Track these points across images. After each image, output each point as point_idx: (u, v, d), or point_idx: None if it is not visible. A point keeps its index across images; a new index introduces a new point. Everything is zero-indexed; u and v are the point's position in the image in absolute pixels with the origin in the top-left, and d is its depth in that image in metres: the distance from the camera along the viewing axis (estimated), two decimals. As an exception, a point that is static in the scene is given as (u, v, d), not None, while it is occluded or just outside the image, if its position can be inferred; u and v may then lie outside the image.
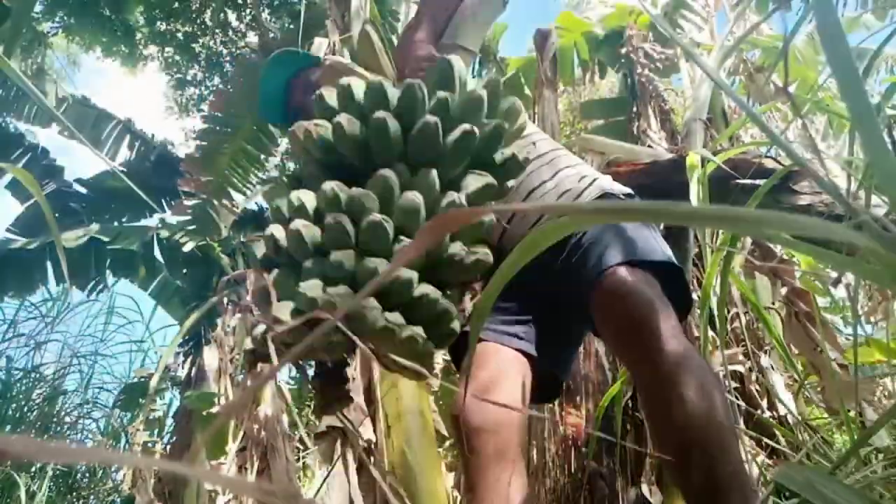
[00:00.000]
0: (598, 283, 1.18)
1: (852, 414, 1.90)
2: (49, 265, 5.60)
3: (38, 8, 7.33)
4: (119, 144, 6.77)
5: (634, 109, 4.08)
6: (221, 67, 8.34)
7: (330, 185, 0.99)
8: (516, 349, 1.30)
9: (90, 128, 6.58)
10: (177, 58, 8.12)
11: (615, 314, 1.17)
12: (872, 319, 2.44)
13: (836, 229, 0.30)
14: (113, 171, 6.08)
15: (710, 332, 2.26)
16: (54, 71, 8.98)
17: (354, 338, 0.78)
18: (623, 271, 1.17)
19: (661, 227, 1.85)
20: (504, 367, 1.28)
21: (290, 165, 7.81)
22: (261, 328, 1.01)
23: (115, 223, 6.29)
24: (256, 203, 7.29)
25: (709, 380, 1.05)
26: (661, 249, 1.28)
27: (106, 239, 5.37)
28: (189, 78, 8.47)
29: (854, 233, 0.30)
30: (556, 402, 2.30)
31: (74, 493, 4.98)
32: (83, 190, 6.59)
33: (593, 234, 1.26)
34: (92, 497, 5.07)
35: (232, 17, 8.04)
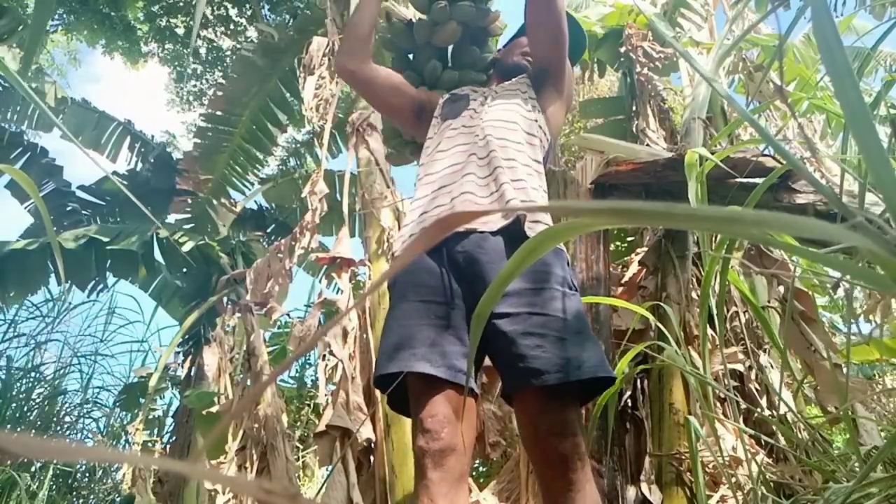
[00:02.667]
0: (538, 391, 1.30)
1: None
2: (50, 266, 5.60)
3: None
4: (119, 146, 6.77)
5: (633, 108, 4.08)
6: (222, 62, 8.34)
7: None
8: (469, 388, 1.38)
9: (91, 130, 6.58)
10: (178, 50, 8.13)
11: (557, 443, 1.28)
12: (871, 318, 2.44)
13: (835, 231, 0.30)
14: (115, 174, 6.08)
15: (710, 331, 2.26)
16: (56, 68, 8.98)
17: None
18: (565, 392, 1.30)
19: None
20: (460, 403, 1.36)
21: (292, 163, 7.81)
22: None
23: (117, 225, 6.29)
24: (255, 202, 7.30)
25: None
26: (605, 364, 1.37)
27: (106, 239, 5.37)
28: (189, 72, 8.49)
29: (853, 234, 0.31)
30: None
31: (74, 493, 4.98)
32: (86, 196, 6.59)
33: (574, 315, 1.38)
34: (92, 496, 5.08)
35: (232, 12, 8.04)
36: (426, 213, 1.55)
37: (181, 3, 7.62)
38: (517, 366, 1.31)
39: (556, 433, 1.26)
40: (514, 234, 1.45)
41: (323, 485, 2.55)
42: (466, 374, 1.33)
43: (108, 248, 5.39)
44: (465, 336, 1.39)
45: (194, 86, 8.71)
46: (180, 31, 8.03)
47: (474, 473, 4.29)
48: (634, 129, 3.89)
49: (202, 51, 8.26)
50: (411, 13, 2.07)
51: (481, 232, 1.46)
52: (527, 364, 1.29)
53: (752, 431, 1.88)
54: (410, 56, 2.05)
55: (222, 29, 8.01)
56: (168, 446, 5.27)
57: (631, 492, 2.19)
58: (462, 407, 1.32)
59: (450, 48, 2.01)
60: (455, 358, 1.35)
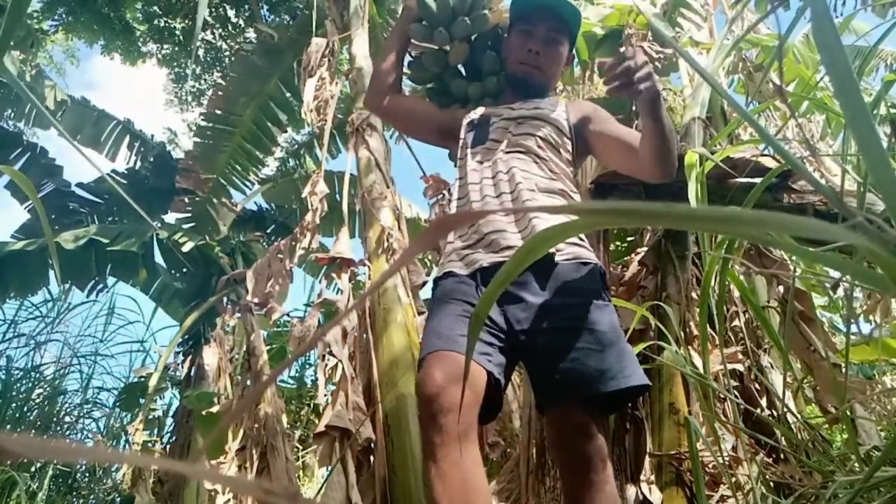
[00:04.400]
0: (577, 399, 1.36)
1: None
2: (51, 267, 5.60)
3: (37, 6, 7.32)
4: (119, 145, 6.77)
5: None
6: (220, 62, 8.35)
7: None
8: (487, 371, 1.40)
9: (90, 129, 6.58)
10: (176, 50, 8.13)
11: (579, 438, 1.35)
12: (871, 318, 2.45)
13: (834, 231, 0.30)
14: (111, 175, 6.08)
15: (710, 331, 2.26)
16: (55, 66, 8.98)
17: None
18: (597, 404, 1.38)
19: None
20: (472, 368, 1.38)
21: (291, 163, 7.80)
22: None
23: (116, 224, 6.29)
24: (255, 202, 7.30)
25: None
26: (636, 373, 1.43)
27: (105, 241, 5.37)
28: (188, 72, 8.49)
29: (853, 234, 0.31)
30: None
31: (74, 493, 4.98)
32: (85, 194, 6.58)
33: (608, 326, 1.45)
34: (92, 496, 5.08)
35: (231, 13, 8.04)
36: (463, 247, 1.61)
37: (179, 5, 7.63)
38: (553, 379, 1.37)
39: (580, 434, 1.33)
40: (546, 263, 1.49)
41: (323, 485, 2.56)
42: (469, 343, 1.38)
43: (108, 249, 5.39)
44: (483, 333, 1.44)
45: (193, 86, 8.71)
46: (179, 31, 8.03)
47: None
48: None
49: (200, 51, 8.26)
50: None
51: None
52: (563, 377, 1.36)
53: (751, 432, 1.88)
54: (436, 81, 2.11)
55: (221, 30, 8.02)
56: (168, 446, 5.27)
57: (631, 492, 2.19)
58: (460, 370, 1.35)
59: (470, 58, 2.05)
60: (459, 332, 1.41)
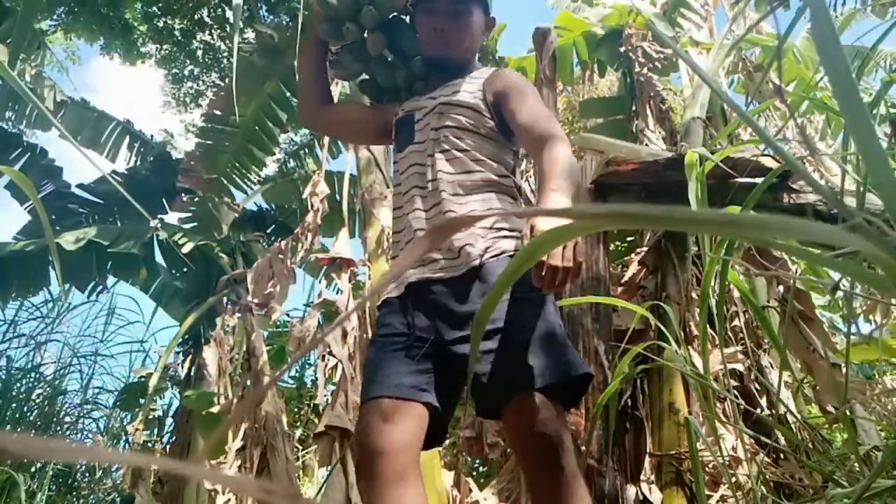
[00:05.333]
0: (519, 398, 1.31)
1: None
2: (51, 267, 5.60)
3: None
4: (119, 146, 6.77)
5: (633, 108, 4.08)
6: (219, 63, 8.34)
7: None
8: (422, 402, 1.37)
9: (90, 130, 6.58)
10: (175, 52, 8.12)
11: (528, 436, 1.30)
12: (871, 318, 2.45)
13: (835, 233, 0.30)
14: (112, 175, 6.07)
15: (710, 331, 2.26)
16: (56, 64, 8.99)
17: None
18: (541, 398, 1.30)
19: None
20: (404, 406, 1.37)
21: (291, 164, 7.81)
22: None
23: (116, 224, 6.29)
24: (255, 203, 7.30)
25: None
26: (579, 361, 1.39)
27: (106, 243, 5.38)
28: (186, 73, 8.48)
29: (852, 236, 0.31)
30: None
31: (74, 493, 4.98)
32: (85, 195, 6.59)
33: (535, 321, 1.38)
34: (92, 496, 5.08)
35: (229, 13, 8.03)
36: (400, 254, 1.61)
37: (178, 5, 7.63)
38: (484, 384, 1.34)
39: (532, 430, 1.28)
40: (474, 275, 1.44)
41: (323, 485, 2.56)
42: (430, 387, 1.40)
43: (109, 250, 5.40)
44: (416, 358, 1.42)
45: (191, 87, 8.71)
46: (178, 31, 8.03)
47: (474, 473, 4.29)
48: (634, 129, 3.89)
49: (199, 52, 8.26)
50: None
51: (438, 280, 1.46)
52: (493, 381, 1.32)
53: (751, 432, 1.88)
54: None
55: (219, 31, 8.01)
56: (168, 446, 5.27)
57: (631, 492, 2.19)
58: (393, 411, 1.34)
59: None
60: (394, 376, 1.39)
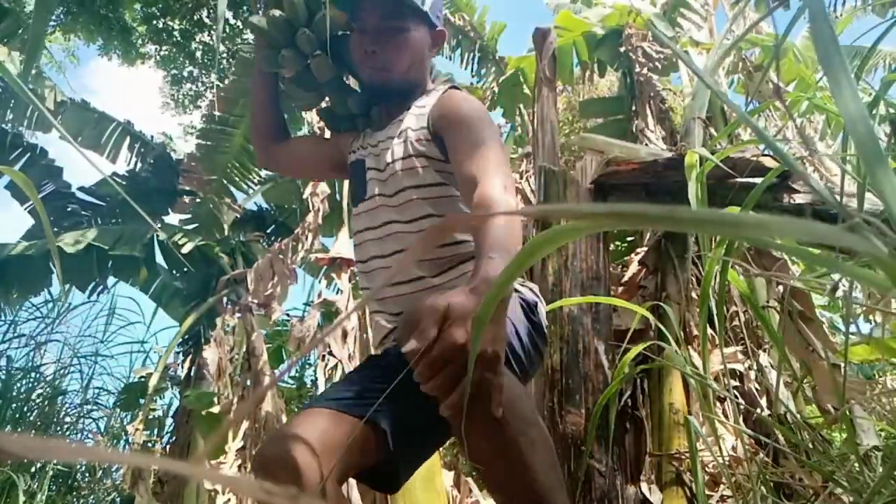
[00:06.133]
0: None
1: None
2: (52, 269, 5.61)
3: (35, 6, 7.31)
4: (119, 147, 6.77)
5: (633, 108, 4.08)
6: (218, 64, 8.34)
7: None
8: (356, 416, 1.14)
9: (90, 131, 6.58)
10: (174, 52, 8.13)
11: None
12: (871, 318, 2.44)
13: (834, 233, 0.30)
14: (113, 177, 6.08)
15: (710, 331, 2.26)
16: (55, 64, 8.99)
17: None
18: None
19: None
20: (323, 417, 1.17)
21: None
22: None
23: (117, 226, 6.30)
24: (255, 203, 7.30)
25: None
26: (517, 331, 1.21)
27: (106, 246, 5.38)
28: (185, 74, 8.48)
29: (851, 237, 0.31)
30: (556, 401, 2.30)
31: (74, 493, 4.98)
32: (86, 197, 6.59)
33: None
34: (92, 496, 5.08)
35: (229, 14, 8.03)
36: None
37: (177, 6, 7.63)
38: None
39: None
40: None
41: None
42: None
43: (109, 252, 5.41)
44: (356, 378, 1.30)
45: (190, 89, 8.71)
46: (177, 32, 8.03)
47: (475, 473, 4.29)
48: (634, 129, 3.89)
49: (198, 53, 8.26)
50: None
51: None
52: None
53: (751, 432, 1.88)
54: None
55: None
56: (168, 446, 5.27)
57: (631, 492, 2.19)
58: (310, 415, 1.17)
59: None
60: (333, 393, 1.25)
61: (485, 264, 1.00)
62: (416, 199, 1.36)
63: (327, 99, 1.68)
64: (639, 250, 2.95)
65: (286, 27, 1.57)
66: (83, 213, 6.57)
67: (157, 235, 5.67)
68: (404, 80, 1.47)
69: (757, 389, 2.56)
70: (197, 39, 8.09)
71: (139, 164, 6.90)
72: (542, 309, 1.39)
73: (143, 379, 5.33)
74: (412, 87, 1.50)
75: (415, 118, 1.43)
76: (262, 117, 1.70)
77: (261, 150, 1.73)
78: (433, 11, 1.49)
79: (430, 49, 1.52)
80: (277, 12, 1.57)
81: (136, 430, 4.59)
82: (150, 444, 5.10)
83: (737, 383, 2.56)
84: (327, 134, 1.81)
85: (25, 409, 5.18)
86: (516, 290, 1.34)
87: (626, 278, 2.84)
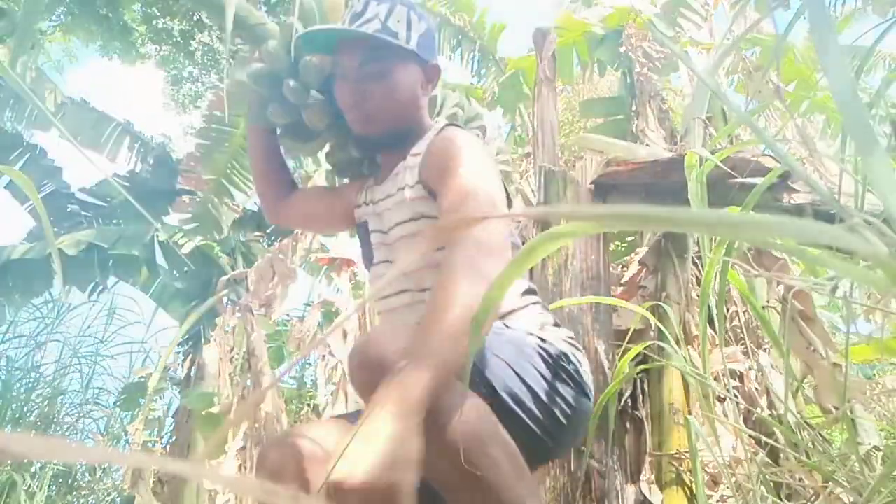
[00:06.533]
0: None
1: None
2: (54, 270, 5.62)
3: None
4: (119, 146, 6.78)
5: (633, 108, 4.08)
6: (218, 64, 8.35)
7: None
8: None
9: (90, 130, 6.59)
10: (174, 52, 8.13)
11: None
12: (871, 319, 2.44)
13: (837, 234, 0.30)
14: (114, 178, 6.08)
15: (710, 331, 2.26)
16: (54, 64, 9.00)
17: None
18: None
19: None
20: (333, 423, 1.17)
21: (291, 163, 7.81)
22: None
23: (118, 226, 6.30)
24: (255, 203, 7.30)
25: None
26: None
27: (106, 246, 5.39)
28: (185, 74, 8.49)
29: (851, 237, 0.31)
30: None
31: (74, 493, 4.99)
32: (86, 197, 6.60)
33: None
34: (92, 496, 5.08)
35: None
36: None
37: (177, 6, 7.63)
38: None
39: None
40: None
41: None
42: None
43: (110, 252, 5.42)
44: None
45: (190, 89, 8.71)
46: (177, 32, 8.03)
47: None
48: (634, 129, 3.89)
49: (198, 53, 8.26)
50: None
51: None
52: None
53: (752, 432, 1.88)
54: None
55: (218, 32, 8.02)
56: (168, 446, 5.28)
57: (631, 492, 2.19)
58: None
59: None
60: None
61: (398, 382, 0.81)
62: (425, 269, 1.24)
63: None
64: (639, 250, 2.95)
65: (270, 79, 1.46)
66: (83, 213, 6.57)
67: (157, 235, 5.67)
68: (395, 127, 1.36)
69: (757, 389, 2.56)
70: (197, 39, 8.09)
71: (139, 165, 6.90)
72: (580, 362, 1.22)
73: (143, 379, 5.33)
74: (406, 133, 1.37)
75: (410, 172, 1.31)
76: (262, 173, 1.61)
77: (266, 208, 1.65)
78: (422, 45, 1.35)
79: (423, 87, 1.38)
80: (258, 65, 1.47)
81: (136, 430, 4.60)
82: (150, 444, 5.11)
83: (737, 383, 2.56)
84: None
85: (25, 409, 5.18)
86: (533, 335, 1.17)
87: (626, 278, 2.84)
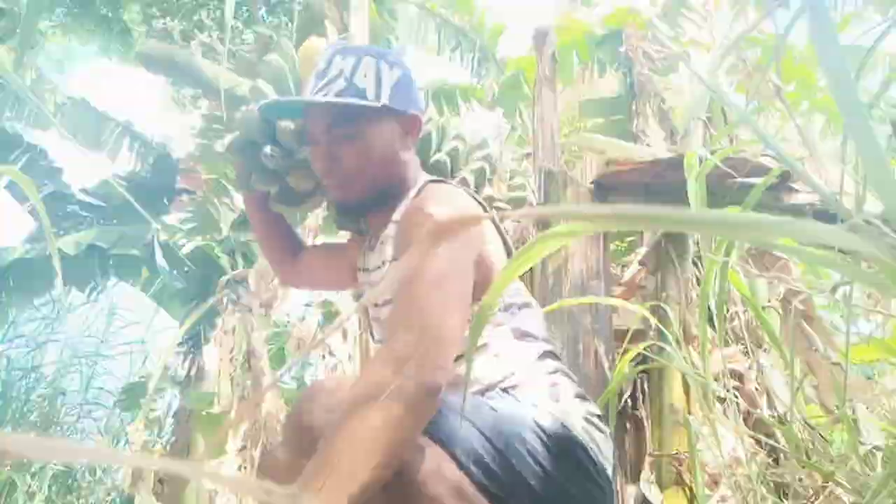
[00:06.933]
0: None
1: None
2: (55, 271, 5.62)
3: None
4: (119, 146, 6.78)
5: (633, 108, 4.08)
6: (218, 64, 8.34)
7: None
8: None
9: (90, 130, 6.59)
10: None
11: None
12: (871, 318, 2.44)
13: (836, 234, 0.30)
14: (115, 179, 6.09)
15: (710, 331, 2.26)
16: (54, 63, 9.00)
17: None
18: None
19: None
20: None
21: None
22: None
23: (116, 227, 6.31)
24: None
25: None
26: None
27: (106, 246, 5.39)
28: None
29: (851, 237, 0.31)
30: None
31: (74, 493, 4.99)
32: (86, 198, 6.59)
33: None
34: (92, 496, 5.08)
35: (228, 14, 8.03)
36: None
37: (177, 7, 7.63)
38: None
39: None
40: None
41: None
42: None
43: (110, 252, 5.42)
44: None
45: (191, 89, 8.71)
46: (178, 33, 8.03)
47: None
48: (634, 129, 3.89)
49: (198, 54, 8.26)
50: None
51: None
52: None
53: (752, 432, 1.88)
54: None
55: (218, 32, 8.02)
56: (168, 446, 5.28)
57: (631, 492, 2.19)
58: None
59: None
60: None
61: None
62: None
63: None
64: (639, 250, 2.95)
65: (249, 149, 1.41)
66: (83, 213, 6.57)
67: (157, 235, 5.67)
68: (373, 189, 1.27)
69: (757, 389, 2.56)
70: (197, 39, 8.09)
71: (139, 165, 6.90)
72: (599, 447, 1.11)
73: (143, 379, 5.33)
74: (388, 192, 1.29)
75: (391, 243, 1.26)
76: (264, 239, 1.60)
77: (276, 271, 1.66)
78: (396, 96, 1.26)
79: (402, 140, 1.28)
80: (232, 135, 1.43)
81: (136, 430, 4.60)
82: (150, 444, 5.10)
83: (737, 383, 2.56)
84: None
85: (25, 409, 5.19)
86: (537, 412, 1.07)
87: (626, 278, 2.84)
